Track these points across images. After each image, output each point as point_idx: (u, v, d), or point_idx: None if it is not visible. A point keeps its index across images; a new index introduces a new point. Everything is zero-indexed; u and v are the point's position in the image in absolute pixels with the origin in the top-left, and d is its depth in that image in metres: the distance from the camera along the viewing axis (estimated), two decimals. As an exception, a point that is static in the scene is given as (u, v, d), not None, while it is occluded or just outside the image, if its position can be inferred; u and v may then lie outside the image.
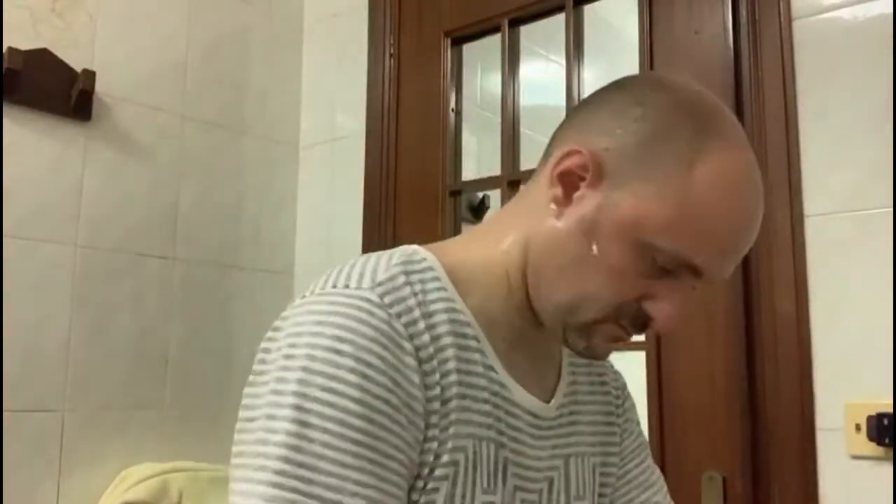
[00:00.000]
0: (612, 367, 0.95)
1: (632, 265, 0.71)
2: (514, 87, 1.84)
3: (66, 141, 1.68)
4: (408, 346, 0.68)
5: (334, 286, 0.69)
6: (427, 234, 1.86)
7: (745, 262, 1.45)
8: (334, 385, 0.64)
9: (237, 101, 2.01)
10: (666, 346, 1.53)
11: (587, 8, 1.75)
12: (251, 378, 0.70)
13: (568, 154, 0.73)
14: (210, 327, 1.89)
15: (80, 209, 1.70)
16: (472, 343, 0.73)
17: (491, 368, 0.74)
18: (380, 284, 0.69)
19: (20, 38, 1.62)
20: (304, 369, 0.64)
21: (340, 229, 2.01)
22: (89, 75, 1.69)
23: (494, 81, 1.92)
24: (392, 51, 2.00)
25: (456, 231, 1.88)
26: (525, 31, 1.86)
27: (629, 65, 1.67)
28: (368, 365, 0.65)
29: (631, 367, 1.61)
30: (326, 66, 2.13)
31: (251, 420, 0.66)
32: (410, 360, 0.68)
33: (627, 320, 0.74)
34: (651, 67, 1.60)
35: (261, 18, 2.08)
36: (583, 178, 0.73)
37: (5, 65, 1.58)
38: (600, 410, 0.90)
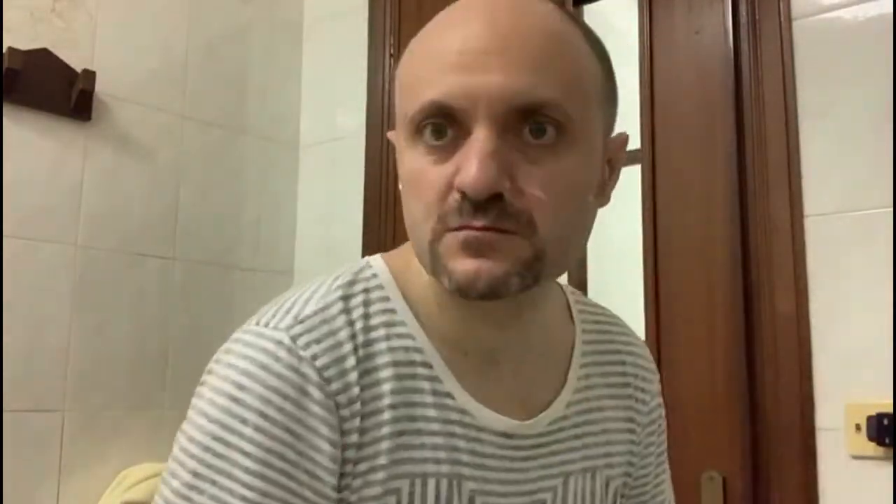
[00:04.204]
0: (641, 364, 0.85)
1: (417, 162, 0.64)
2: (514, 87, 1.84)
3: (66, 141, 1.68)
4: (316, 393, 0.63)
5: (257, 323, 0.66)
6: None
7: (745, 262, 1.45)
8: (227, 437, 0.61)
9: (237, 101, 2.01)
10: (666, 346, 1.53)
11: (587, 8, 1.76)
12: None
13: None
14: (210, 327, 1.89)
15: (80, 209, 1.70)
16: (421, 371, 0.68)
17: (447, 395, 0.68)
18: (301, 322, 0.65)
19: (20, 38, 1.62)
20: (204, 414, 0.63)
21: (340, 229, 2.01)
22: (89, 75, 1.69)
23: (494, 81, 1.92)
24: (392, 51, 2.00)
25: (456, 231, 1.88)
26: (525, 31, 1.86)
27: (629, 65, 1.67)
28: (265, 417, 0.61)
29: (631, 367, 1.61)
30: (326, 66, 2.13)
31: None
32: (317, 409, 0.63)
33: (453, 214, 0.62)
34: (651, 67, 1.60)
35: (261, 18, 2.08)
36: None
37: (5, 65, 1.57)
38: (620, 416, 0.81)
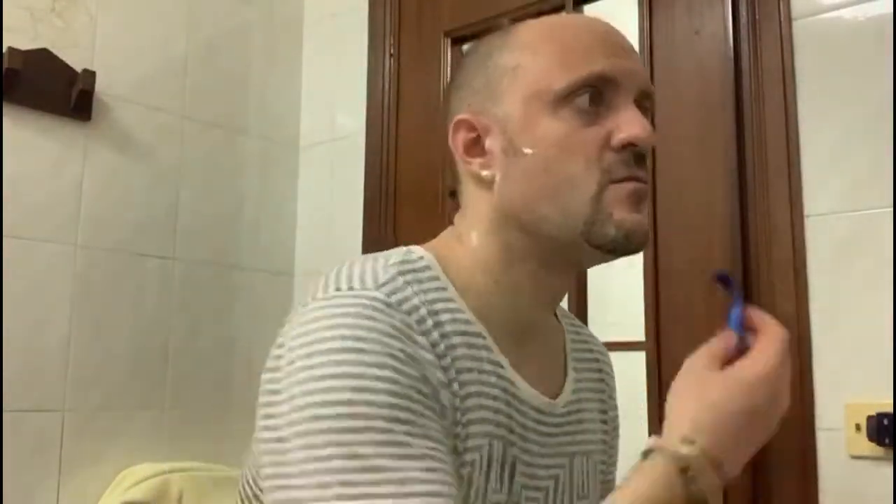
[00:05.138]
0: (609, 363, 0.95)
1: (567, 125, 0.73)
2: (514, 87, 1.84)
3: (66, 141, 1.68)
4: (423, 340, 0.66)
5: (338, 289, 0.68)
6: (427, 234, 1.84)
7: (745, 262, 1.45)
8: (367, 384, 0.61)
9: (237, 101, 2.01)
10: (666, 346, 1.53)
11: (587, 8, 1.75)
12: (267, 397, 0.66)
13: (453, 130, 0.78)
14: (210, 327, 1.89)
15: (80, 209, 1.70)
16: (478, 340, 0.72)
17: (498, 365, 0.74)
18: (384, 284, 0.68)
19: (20, 38, 1.62)
20: (332, 376, 0.62)
21: (340, 229, 2.01)
22: (89, 75, 1.69)
23: (494, 81, 1.92)
24: (392, 51, 2.00)
25: (456, 231, 1.88)
26: (525, 31, 1.86)
27: (629, 65, 1.67)
28: (393, 357, 0.63)
29: (631, 367, 1.62)
30: (326, 66, 2.13)
31: (282, 440, 0.63)
32: (428, 355, 0.66)
33: (619, 165, 0.73)
34: (651, 67, 1.60)
35: (261, 18, 2.08)
36: (475, 132, 0.77)
37: (5, 65, 1.57)
38: (598, 407, 0.89)
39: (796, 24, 1.44)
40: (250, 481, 0.77)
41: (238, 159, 2.00)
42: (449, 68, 1.91)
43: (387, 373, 0.62)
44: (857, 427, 1.30)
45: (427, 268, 0.73)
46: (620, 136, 0.72)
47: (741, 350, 0.73)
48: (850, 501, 1.31)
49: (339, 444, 0.60)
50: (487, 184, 0.77)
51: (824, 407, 1.34)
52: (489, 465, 0.70)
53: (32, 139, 1.64)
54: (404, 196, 1.94)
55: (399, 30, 1.99)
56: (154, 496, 1.61)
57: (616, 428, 0.94)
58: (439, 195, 1.88)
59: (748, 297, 1.45)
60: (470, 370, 0.70)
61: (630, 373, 1.61)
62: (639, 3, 1.65)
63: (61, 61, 1.67)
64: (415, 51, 1.97)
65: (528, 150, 0.73)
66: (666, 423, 0.70)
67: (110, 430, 1.69)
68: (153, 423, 1.76)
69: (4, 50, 1.58)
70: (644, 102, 0.77)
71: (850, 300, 1.34)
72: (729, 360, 0.73)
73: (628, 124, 0.73)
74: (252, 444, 0.76)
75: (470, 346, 0.71)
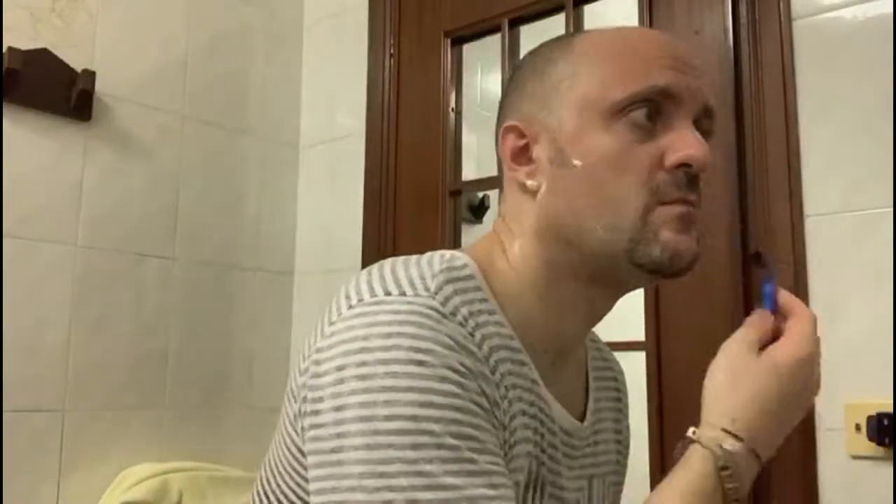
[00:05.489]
0: (623, 381, 0.93)
1: (619, 140, 0.70)
2: (514, 87, 1.84)
3: (66, 141, 1.68)
4: (478, 352, 0.64)
5: (387, 293, 0.64)
6: (427, 234, 1.86)
7: (745, 263, 1.45)
8: (431, 398, 0.59)
9: (237, 101, 2.01)
10: (666, 346, 1.53)
11: (587, 8, 1.75)
12: (308, 405, 0.63)
13: (502, 136, 0.76)
14: (210, 327, 1.89)
15: (80, 209, 1.69)
16: (519, 356, 0.70)
17: (535, 383, 0.71)
18: (437, 292, 0.65)
19: (20, 38, 1.62)
20: (392, 389, 0.59)
21: (340, 229, 2.01)
22: (89, 75, 1.69)
23: (494, 81, 1.92)
24: (392, 51, 2.00)
25: (456, 231, 1.88)
26: (525, 31, 1.86)
27: (629, 65, 1.66)
28: (454, 370, 0.61)
29: (631, 367, 1.61)
30: (326, 66, 2.13)
31: (335, 451, 0.60)
32: (484, 369, 0.64)
33: (670, 187, 0.69)
34: (651, 67, 1.60)
35: (261, 18, 2.08)
36: (524, 139, 0.75)
37: (5, 65, 1.57)
38: (613, 427, 0.88)
39: (796, 24, 1.44)
40: (273, 487, 0.74)
41: (238, 159, 2.00)
42: (449, 68, 1.91)
43: (449, 387, 0.60)
44: (857, 427, 1.30)
45: (471, 277, 0.69)
46: (674, 156, 0.69)
47: (774, 331, 0.75)
48: (850, 501, 1.31)
49: (403, 460, 0.58)
50: (532, 193, 0.73)
51: (824, 407, 1.34)
52: (527, 487, 0.69)
53: (32, 139, 1.64)
54: (404, 196, 1.94)
55: (399, 30, 1.99)
56: (154, 496, 1.61)
57: (628, 447, 0.91)
58: (439, 195, 1.88)
59: (748, 296, 1.45)
60: (515, 387, 0.68)
61: (630, 373, 1.61)
62: (639, 3, 1.65)
63: (61, 61, 1.67)
64: (415, 51, 1.97)
65: (576, 162, 0.71)
66: (705, 411, 0.71)
67: (110, 430, 1.69)
68: (153, 423, 1.76)
69: (4, 50, 1.58)
70: (705, 121, 0.74)
71: (850, 300, 1.34)
72: (764, 343, 0.74)
73: (683, 143, 0.69)
74: (274, 447, 0.73)
75: (513, 361, 0.69)
